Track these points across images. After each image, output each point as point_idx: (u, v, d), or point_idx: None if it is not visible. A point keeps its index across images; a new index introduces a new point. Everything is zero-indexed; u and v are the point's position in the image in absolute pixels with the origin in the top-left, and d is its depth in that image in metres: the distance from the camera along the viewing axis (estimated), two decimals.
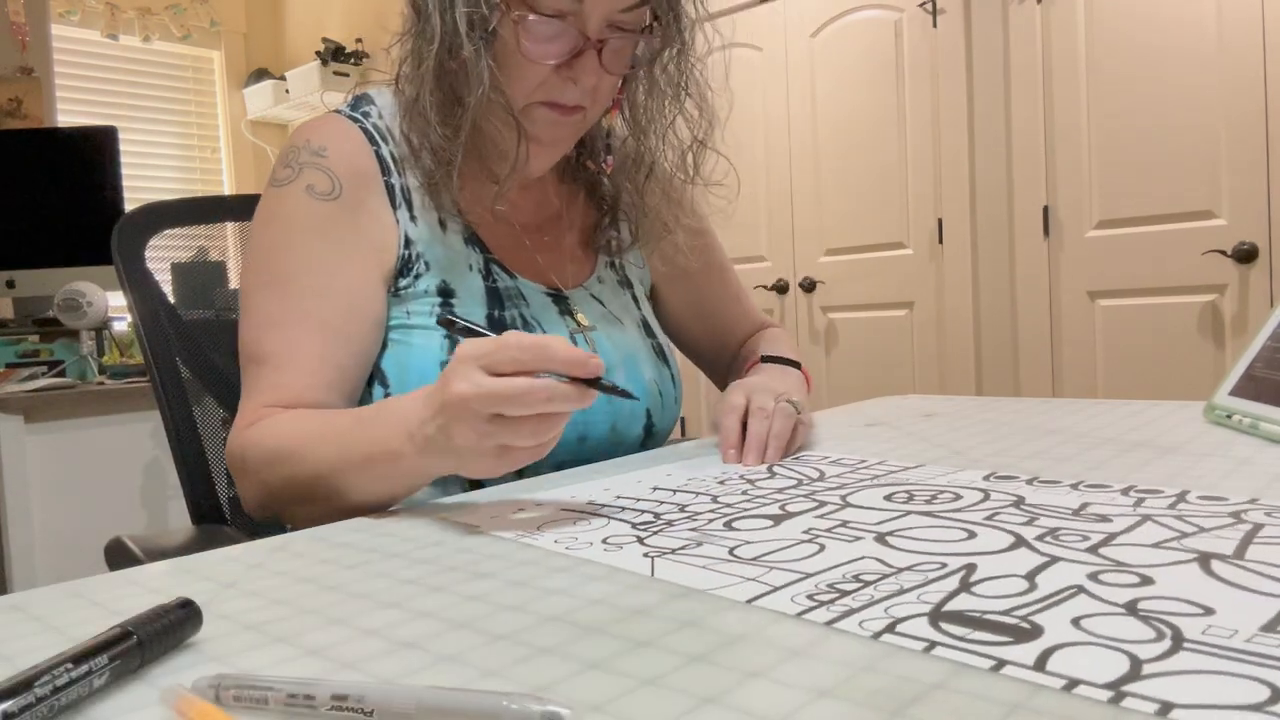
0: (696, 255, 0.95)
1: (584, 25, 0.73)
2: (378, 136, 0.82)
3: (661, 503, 0.60)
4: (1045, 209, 2.42)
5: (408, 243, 0.80)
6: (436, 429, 0.58)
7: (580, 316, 0.86)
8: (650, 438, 0.89)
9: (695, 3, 0.81)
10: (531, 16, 0.72)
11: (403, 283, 0.80)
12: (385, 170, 0.81)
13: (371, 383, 0.79)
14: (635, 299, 0.95)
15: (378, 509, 0.65)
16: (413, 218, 0.81)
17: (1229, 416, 0.77)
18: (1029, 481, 0.60)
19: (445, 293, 0.80)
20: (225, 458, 0.74)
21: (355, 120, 0.82)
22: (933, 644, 0.33)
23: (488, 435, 0.55)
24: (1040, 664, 0.31)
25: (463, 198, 0.82)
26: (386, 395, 0.78)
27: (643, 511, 0.58)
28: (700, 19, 0.82)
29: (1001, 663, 0.31)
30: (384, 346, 0.79)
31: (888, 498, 0.57)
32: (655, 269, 0.98)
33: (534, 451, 0.57)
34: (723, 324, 1.04)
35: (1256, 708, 0.27)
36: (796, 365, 0.91)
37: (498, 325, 0.80)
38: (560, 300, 0.86)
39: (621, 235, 0.94)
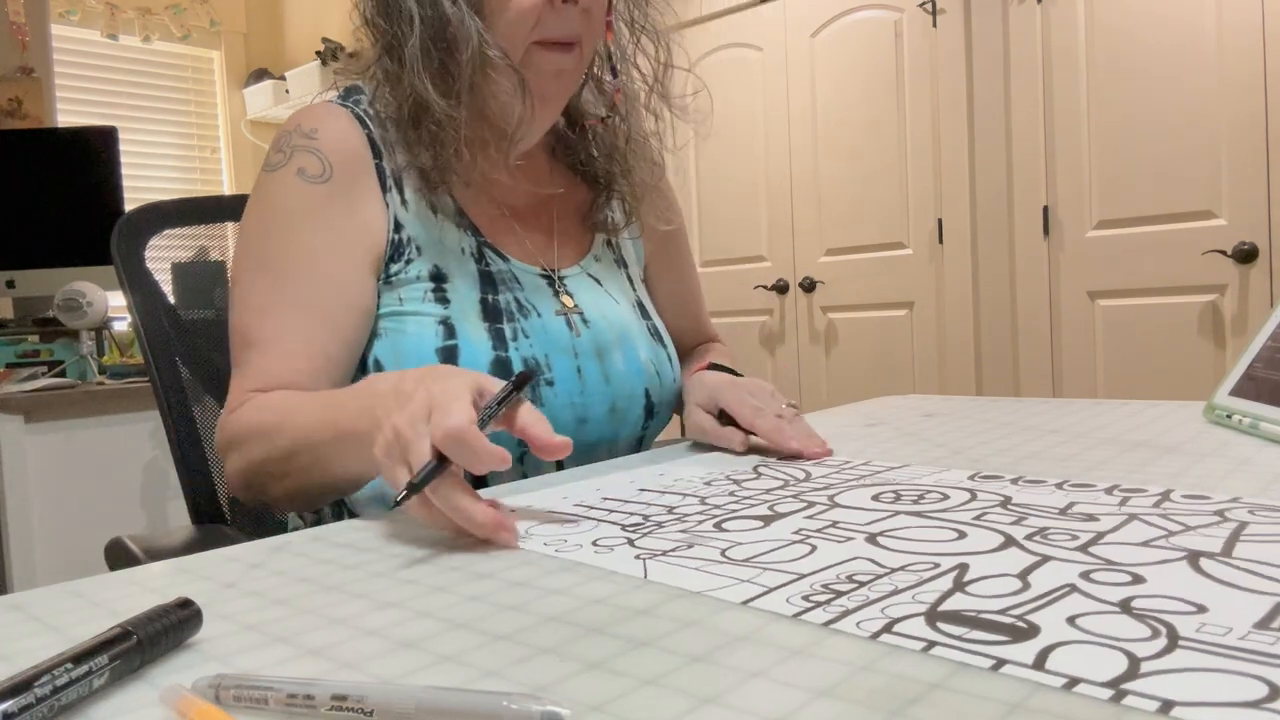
0: (675, 218, 0.99)
1: None
2: (368, 120, 0.82)
3: (649, 504, 0.59)
4: (1045, 209, 2.42)
5: (398, 226, 0.80)
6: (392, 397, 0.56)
7: (565, 298, 0.86)
8: (652, 417, 0.89)
9: None
10: None
11: (394, 268, 0.80)
12: (376, 153, 0.81)
13: (366, 372, 0.79)
14: (630, 280, 0.96)
15: (355, 486, 0.67)
16: (404, 201, 0.81)
17: (1229, 416, 0.77)
18: (1014, 481, 0.60)
19: (438, 278, 0.80)
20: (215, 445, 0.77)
21: (346, 106, 0.83)
22: (931, 644, 0.33)
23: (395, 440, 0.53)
24: (1039, 663, 0.31)
25: (460, 181, 0.82)
26: None
27: (631, 514, 0.57)
28: None
29: (1000, 662, 0.31)
30: (377, 335, 0.79)
31: (875, 498, 0.57)
32: (649, 253, 0.99)
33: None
34: (692, 322, 1.06)
35: (1256, 705, 0.27)
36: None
37: (492, 309, 0.81)
38: (554, 281, 0.87)
39: (616, 216, 0.95)
